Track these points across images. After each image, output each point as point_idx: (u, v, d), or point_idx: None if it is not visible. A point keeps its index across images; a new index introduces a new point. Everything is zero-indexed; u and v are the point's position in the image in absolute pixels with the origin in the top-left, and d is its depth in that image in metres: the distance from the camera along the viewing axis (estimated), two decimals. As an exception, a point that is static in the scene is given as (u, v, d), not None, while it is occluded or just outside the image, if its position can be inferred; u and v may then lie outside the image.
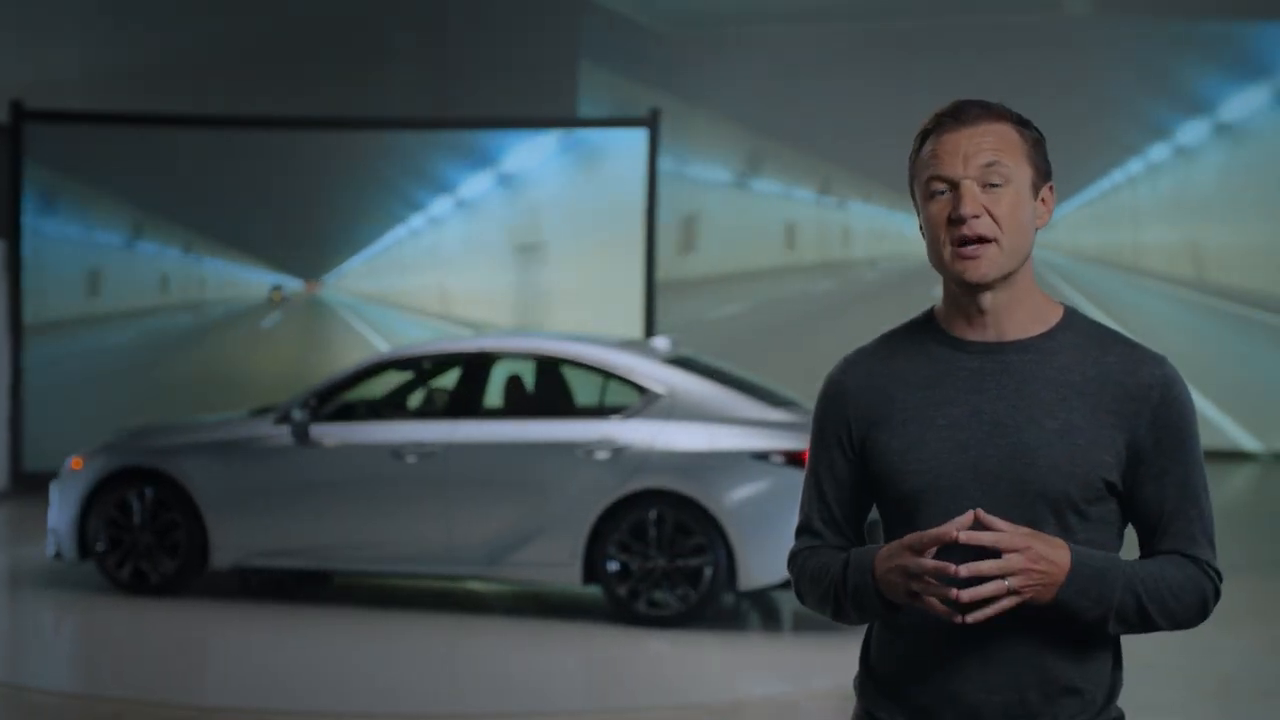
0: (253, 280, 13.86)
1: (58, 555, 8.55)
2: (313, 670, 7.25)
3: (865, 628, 2.42)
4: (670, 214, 14.97)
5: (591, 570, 7.80)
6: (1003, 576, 2.09)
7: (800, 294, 16.31)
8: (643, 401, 7.95)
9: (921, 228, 2.28)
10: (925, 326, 2.34)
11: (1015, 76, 14.62)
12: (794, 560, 2.41)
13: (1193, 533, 2.24)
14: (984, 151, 2.20)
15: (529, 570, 7.98)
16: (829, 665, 7.19)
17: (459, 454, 8.05)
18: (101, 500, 8.40)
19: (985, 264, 2.20)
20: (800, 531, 2.42)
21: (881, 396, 2.30)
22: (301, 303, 13.96)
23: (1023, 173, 2.23)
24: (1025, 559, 2.10)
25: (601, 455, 7.81)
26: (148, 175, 13.55)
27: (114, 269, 13.69)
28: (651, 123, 13.60)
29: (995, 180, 2.20)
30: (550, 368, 8.49)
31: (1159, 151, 15.67)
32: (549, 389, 8.52)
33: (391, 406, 8.68)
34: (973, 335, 2.27)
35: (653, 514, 7.69)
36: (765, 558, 7.50)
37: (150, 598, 8.36)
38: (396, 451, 8.10)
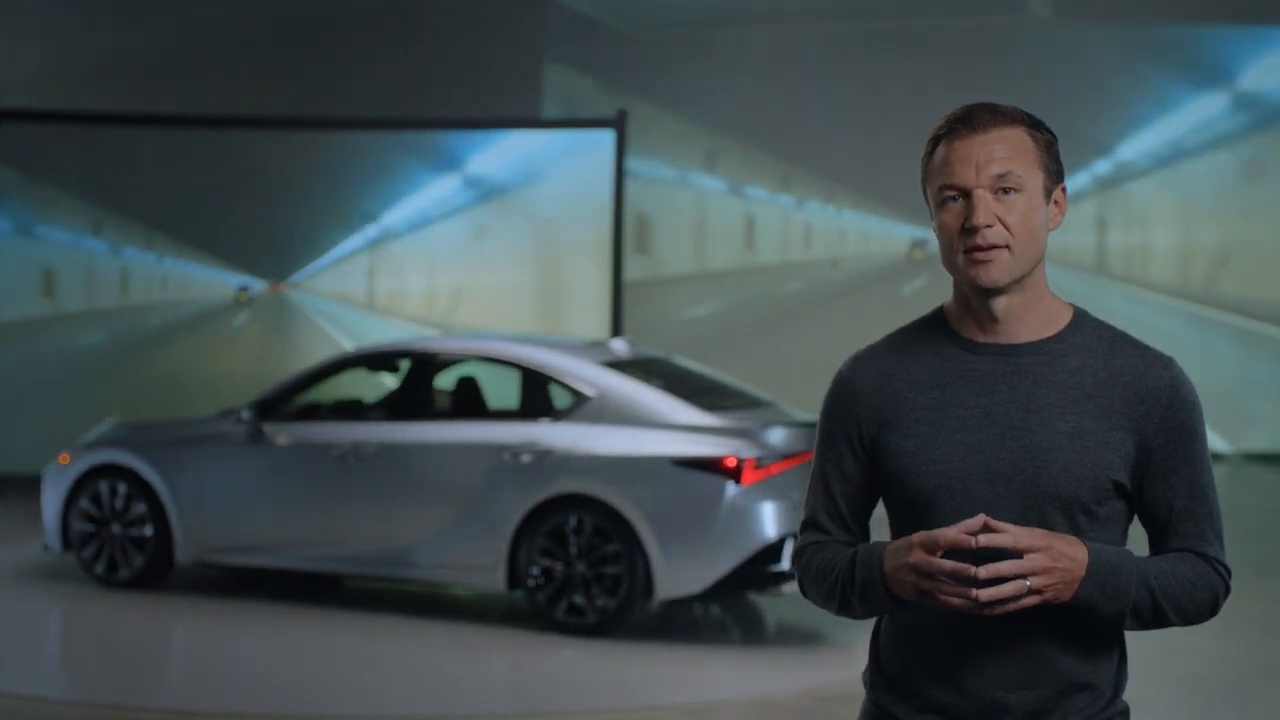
0: (218, 281, 13.79)
1: (46, 547, 8.85)
2: (241, 671, 7.26)
3: (872, 625, 2.45)
4: (635, 213, 14.99)
5: (517, 575, 7.73)
6: (1023, 576, 2.10)
7: (766, 294, 16.35)
8: (573, 404, 7.87)
9: (935, 230, 2.30)
10: (935, 326, 2.36)
11: (979, 79, 14.71)
12: (799, 556, 2.42)
13: (1202, 530, 2.28)
14: (996, 161, 2.22)
15: (456, 574, 7.94)
16: (801, 667, 7.24)
17: (393, 456, 8.08)
18: (79, 495, 8.68)
19: (997, 268, 2.22)
20: (805, 527, 2.44)
21: (893, 396, 2.32)
22: (267, 304, 13.91)
23: (1035, 179, 2.24)
24: (1046, 558, 2.12)
25: (526, 458, 7.73)
26: (113, 175, 13.47)
27: (80, 270, 13.60)
28: (619, 124, 13.61)
29: (1006, 187, 2.22)
30: (494, 369, 8.49)
31: (1122, 153, 15.78)
32: (492, 390, 8.58)
33: (348, 406, 8.73)
34: (984, 337, 2.30)
35: (572, 520, 7.59)
36: (683, 567, 7.40)
37: (126, 594, 8.49)
38: (337, 452, 8.16)
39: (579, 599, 7.57)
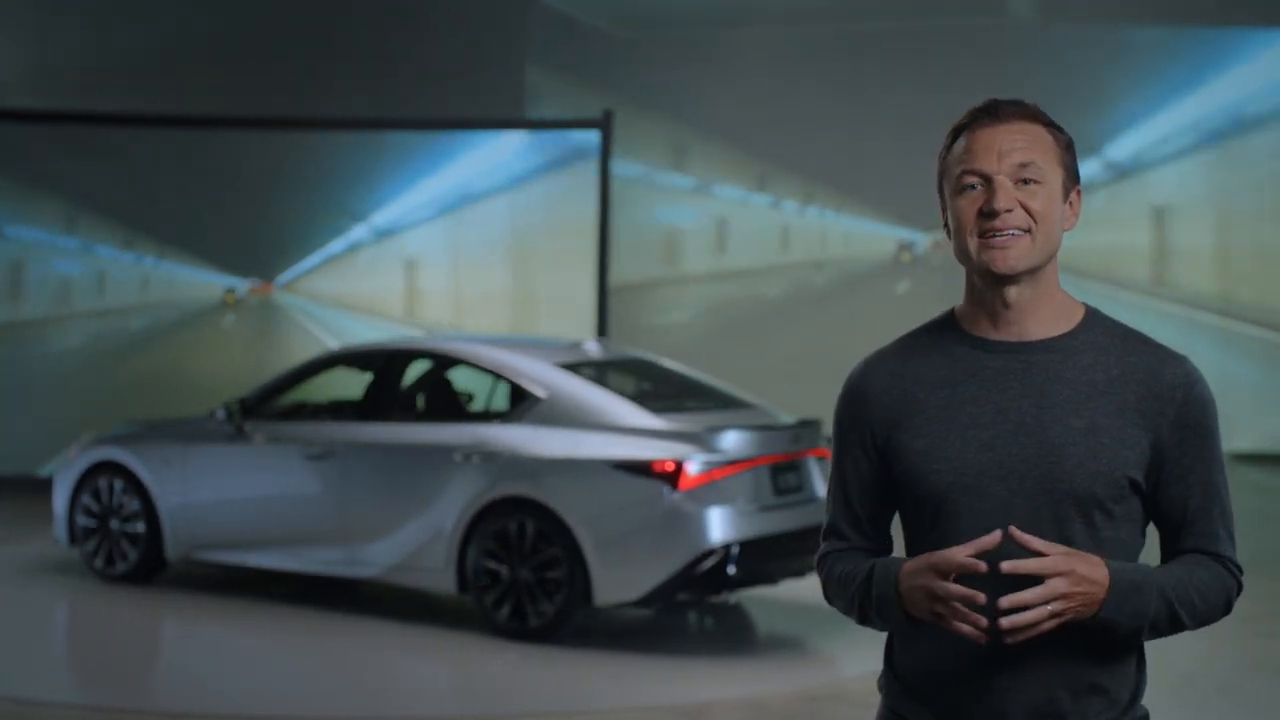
0: (206, 282, 13.75)
1: (56, 540, 9.12)
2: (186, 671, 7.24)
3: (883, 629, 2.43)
4: (620, 215, 14.98)
5: (467, 578, 7.66)
6: (1045, 602, 2.08)
7: (750, 296, 16.35)
8: (525, 405, 7.77)
9: (946, 225, 2.28)
10: (946, 327, 2.33)
11: (961, 80, 14.72)
12: (821, 563, 2.41)
13: (1215, 530, 2.27)
14: (1018, 150, 2.21)
15: (410, 576, 7.90)
16: (789, 670, 7.24)
17: (358, 456, 8.08)
18: (84, 491, 8.93)
19: (1014, 254, 2.20)
20: (827, 534, 2.42)
21: (903, 397, 2.30)
22: (253, 305, 13.88)
23: (1054, 174, 2.23)
24: (1068, 583, 2.09)
25: (475, 460, 7.66)
26: (99, 176, 13.42)
27: (65, 271, 13.55)
28: (604, 125, 13.59)
29: (1028, 177, 2.20)
30: (461, 369, 8.43)
31: (1103, 155, 15.82)
32: (459, 390, 8.55)
33: (325, 406, 8.78)
34: (995, 335, 2.28)
35: (514, 523, 7.49)
36: (620, 572, 7.25)
37: (122, 593, 8.65)
38: (309, 452, 8.21)
39: (525, 604, 7.46)
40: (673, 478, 7.16)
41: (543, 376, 7.79)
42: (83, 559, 8.97)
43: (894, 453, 2.29)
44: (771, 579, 7.66)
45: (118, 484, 8.81)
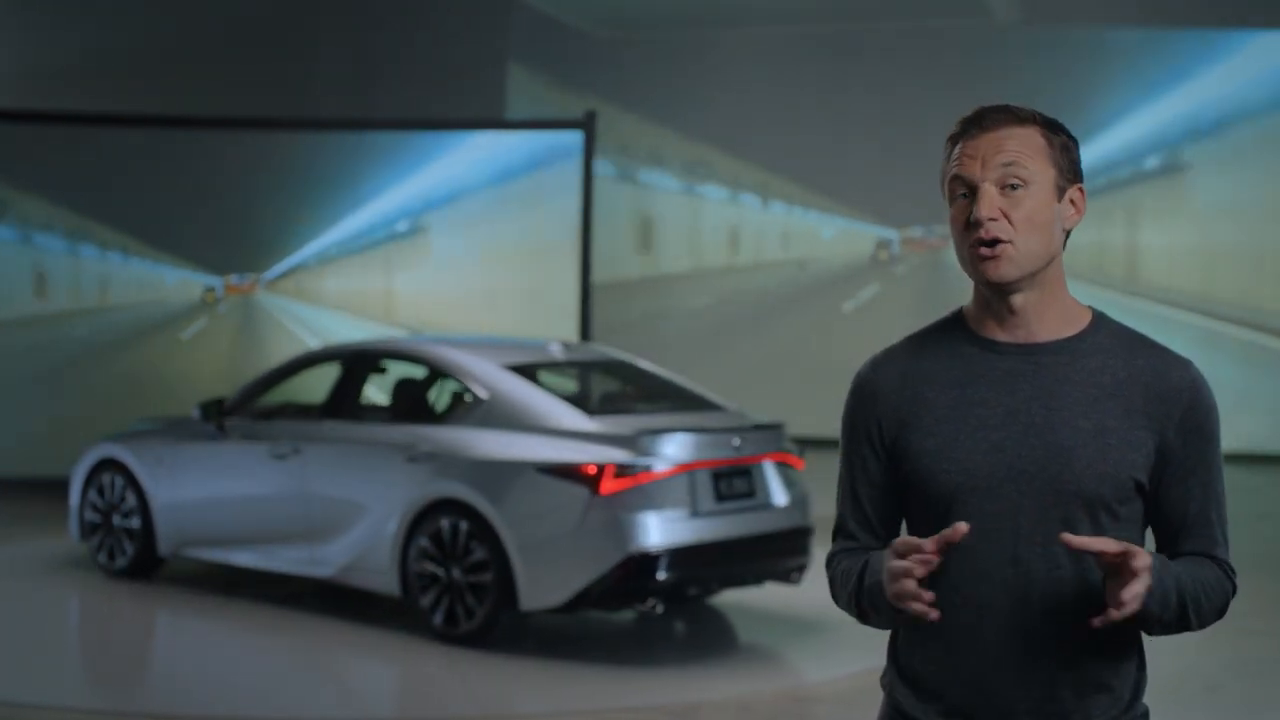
0: (186, 281, 13.69)
1: (70, 535, 9.37)
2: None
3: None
4: (602, 214, 14.97)
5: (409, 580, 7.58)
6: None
7: (733, 293, 16.35)
8: (470, 406, 7.71)
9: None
10: (954, 327, 2.34)
11: (944, 81, 14.75)
12: (830, 563, 2.41)
13: (1214, 534, 2.28)
14: (1003, 153, 2.22)
15: (359, 576, 7.85)
16: (777, 671, 7.23)
17: (318, 456, 8.07)
18: (90, 486, 9.15)
19: (1003, 264, 2.21)
20: (836, 533, 2.42)
21: (913, 396, 2.30)
22: (234, 304, 13.82)
23: (1045, 174, 2.24)
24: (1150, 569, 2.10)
25: (418, 461, 7.59)
26: (79, 176, 13.35)
27: (49, 271, 13.48)
28: (587, 125, 13.58)
29: (1014, 182, 2.21)
30: (425, 369, 8.37)
31: (1087, 155, 15.86)
32: (423, 389, 8.53)
33: (300, 406, 8.77)
34: (1004, 336, 2.29)
35: (446, 525, 7.38)
36: (544, 577, 7.09)
37: (122, 593, 8.75)
38: (278, 451, 8.24)
39: (458, 607, 7.36)
40: (595, 481, 7.00)
41: (486, 377, 7.70)
42: (89, 553, 9.14)
43: (903, 452, 2.30)
44: (708, 588, 7.56)
45: (118, 480, 8.99)
